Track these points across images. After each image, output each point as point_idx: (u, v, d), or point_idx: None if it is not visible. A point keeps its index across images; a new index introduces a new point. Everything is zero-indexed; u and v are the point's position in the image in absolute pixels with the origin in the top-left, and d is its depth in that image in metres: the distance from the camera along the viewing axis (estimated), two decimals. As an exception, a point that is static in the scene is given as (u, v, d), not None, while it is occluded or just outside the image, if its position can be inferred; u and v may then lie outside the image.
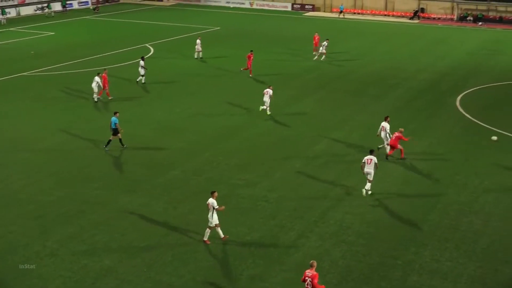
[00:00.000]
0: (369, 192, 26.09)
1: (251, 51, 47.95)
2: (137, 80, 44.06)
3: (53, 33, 65.67)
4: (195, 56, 52.61)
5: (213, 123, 35.71)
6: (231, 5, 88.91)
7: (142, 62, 43.68)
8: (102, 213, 24.48)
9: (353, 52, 56.32)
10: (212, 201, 21.93)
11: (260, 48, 55.41)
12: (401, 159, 30.03)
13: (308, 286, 17.58)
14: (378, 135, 31.02)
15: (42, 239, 22.38)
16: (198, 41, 52.68)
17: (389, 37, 66.04)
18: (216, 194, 22.17)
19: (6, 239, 22.43)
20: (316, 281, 17.54)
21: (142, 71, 43.61)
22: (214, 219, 21.99)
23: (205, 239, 22.22)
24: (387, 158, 29.99)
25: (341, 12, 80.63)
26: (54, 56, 53.30)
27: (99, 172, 28.60)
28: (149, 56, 53.51)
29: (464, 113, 38.00)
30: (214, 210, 21.88)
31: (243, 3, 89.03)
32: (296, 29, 70.34)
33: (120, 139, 31.33)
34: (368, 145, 31.88)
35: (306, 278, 17.65)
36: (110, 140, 31.24)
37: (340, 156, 30.79)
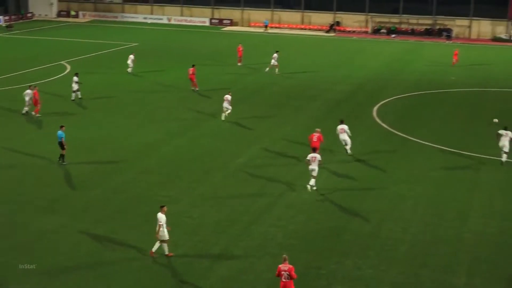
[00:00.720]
0: (314, 188, 27.74)
1: (193, 65, 47.35)
2: (72, 99, 43.12)
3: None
4: (129, 71, 52.45)
5: (132, 140, 35.27)
6: (149, 21, 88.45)
7: (75, 78, 43.27)
8: (22, 235, 23.75)
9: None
10: (160, 215, 21.96)
11: (179, 63, 55.31)
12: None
13: (285, 279, 18.58)
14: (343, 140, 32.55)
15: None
16: (131, 56, 52.84)
17: (307, 50, 67.22)
18: (165, 208, 22.21)
19: None
20: (293, 273, 18.62)
21: (75, 87, 43.08)
22: (164, 234, 21.90)
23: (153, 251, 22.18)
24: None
25: (266, 26, 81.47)
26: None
27: (15, 192, 27.76)
28: (66, 73, 52.54)
29: (380, 122, 39.02)
30: (159, 225, 21.80)
31: (161, 19, 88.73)
32: (216, 43, 70.60)
33: (62, 155, 30.90)
34: (290, 157, 32.35)
35: (282, 272, 18.64)
36: (62, 155, 30.90)
37: (261, 168, 31.00)
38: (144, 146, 34.20)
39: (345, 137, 32.31)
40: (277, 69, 53.07)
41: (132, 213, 25.73)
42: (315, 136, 30.82)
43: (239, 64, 56.47)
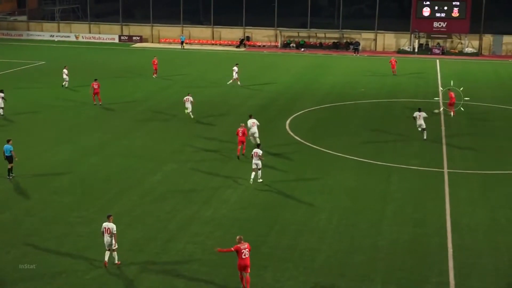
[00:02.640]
0: (260, 180, 30.66)
1: (95, 79, 47.48)
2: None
3: None
4: (64, 85, 52.76)
5: (42, 159, 34.33)
6: (56, 39, 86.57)
7: (1, 94, 43.47)
8: None
9: (183, 81, 56.85)
10: (112, 225, 22.26)
11: (89, 80, 54.42)
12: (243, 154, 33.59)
13: (245, 256, 20.51)
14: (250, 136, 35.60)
15: None
16: (64, 70, 52.98)
17: (217, 65, 67.41)
18: (112, 217, 22.59)
19: None
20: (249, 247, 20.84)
21: (1, 103, 43.28)
22: (113, 242, 22.31)
23: (106, 261, 22.39)
24: (238, 158, 33.84)
25: (182, 43, 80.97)
26: None
27: None
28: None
29: (293, 135, 39.52)
30: (113, 235, 22.21)
31: (68, 36, 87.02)
32: (127, 59, 69.84)
33: (10, 168, 30.84)
34: (206, 172, 32.29)
35: (243, 250, 20.52)
36: (9, 169, 30.86)
37: (177, 185, 30.76)
38: (56, 165, 33.30)
39: (255, 129, 35.61)
40: (238, 82, 54.50)
41: (45, 236, 24.93)
42: (240, 131, 34.27)
43: (154, 76, 58.41)
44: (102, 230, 22.52)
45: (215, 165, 33.57)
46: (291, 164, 34.10)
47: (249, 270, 20.78)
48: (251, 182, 30.51)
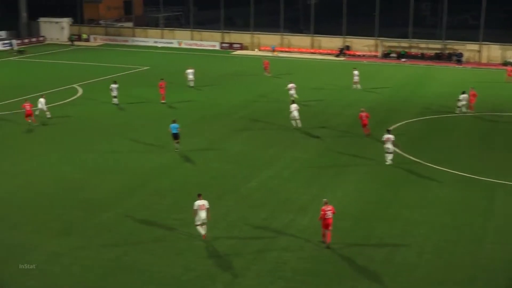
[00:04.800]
0: (388, 163, 34.44)
1: (162, 79, 50.75)
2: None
3: (-24, 75, 64.18)
4: (191, 85, 56.76)
5: (143, 162, 35.31)
6: (159, 45, 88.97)
7: (115, 85, 49.08)
8: (33, 257, 23.69)
9: (281, 89, 57.05)
10: (205, 201, 24.88)
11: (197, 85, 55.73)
12: None
13: (328, 216, 24.09)
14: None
15: (-31, 288, 21.52)
16: (190, 71, 57.27)
17: (316, 74, 67.30)
18: (201, 195, 25.08)
19: None
20: (334, 211, 24.39)
21: (115, 93, 48.95)
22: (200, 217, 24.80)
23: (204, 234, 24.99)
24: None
25: (273, 50, 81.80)
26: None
27: (28, 215, 27.75)
28: (79, 96, 52.97)
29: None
30: (207, 209, 24.72)
31: (171, 43, 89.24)
32: (226, 66, 70.85)
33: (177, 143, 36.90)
34: (302, 181, 32.28)
35: (327, 211, 24.12)
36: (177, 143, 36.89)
37: (273, 192, 30.88)
38: (155, 169, 34.20)
39: (389, 145, 34.99)
40: (358, 85, 57.55)
41: (144, 237, 25.63)
42: (364, 115, 40.00)
43: (267, 74, 63.81)
44: (196, 208, 24.73)
45: (311, 174, 33.49)
46: (388, 176, 33.52)
47: (330, 228, 24.27)
48: (387, 163, 34.59)
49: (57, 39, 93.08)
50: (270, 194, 30.62)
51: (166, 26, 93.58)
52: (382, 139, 35.23)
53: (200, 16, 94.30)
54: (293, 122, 42.85)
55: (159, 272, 22.51)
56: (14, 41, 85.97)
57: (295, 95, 48.62)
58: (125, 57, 77.53)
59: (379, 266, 23.38)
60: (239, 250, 24.49)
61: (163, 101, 50.01)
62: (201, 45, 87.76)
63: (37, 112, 44.04)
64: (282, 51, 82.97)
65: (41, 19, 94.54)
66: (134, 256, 23.78)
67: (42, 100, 44.36)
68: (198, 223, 24.90)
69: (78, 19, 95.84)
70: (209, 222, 25.39)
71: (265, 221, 27.24)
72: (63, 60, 74.97)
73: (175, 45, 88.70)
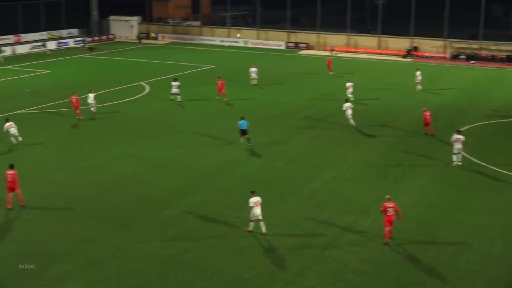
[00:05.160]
0: (456, 163, 34.13)
1: (219, 77, 51.71)
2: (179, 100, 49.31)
3: (49, 71, 66.01)
4: (254, 83, 57.49)
5: (207, 160, 35.66)
6: (225, 44, 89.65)
7: (177, 83, 49.89)
8: (96, 251, 24.26)
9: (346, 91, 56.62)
10: (259, 198, 25.58)
11: (263, 84, 55.97)
12: None
13: (390, 214, 24.46)
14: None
15: (37, 277, 22.13)
16: (253, 69, 57.77)
17: (382, 74, 66.52)
18: (255, 192, 25.76)
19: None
20: (397, 208, 24.66)
21: (177, 91, 49.72)
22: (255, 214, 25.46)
23: (251, 230, 25.72)
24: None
25: (332, 50, 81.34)
26: (50, 94, 53.43)
27: (93, 209, 28.43)
28: (145, 93, 53.93)
29: (459, 150, 38.02)
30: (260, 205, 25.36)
31: (237, 42, 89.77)
32: (292, 65, 70.79)
33: (248, 138, 37.90)
34: (365, 182, 31.99)
35: (388, 208, 24.48)
36: (248, 138, 37.91)
37: (335, 193, 30.72)
38: (219, 167, 34.50)
39: (459, 146, 34.53)
40: (419, 86, 56.75)
41: (206, 234, 25.89)
42: (428, 115, 40.10)
43: (330, 73, 64.22)
44: (251, 205, 25.31)
45: (374, 175, 33.16)
46: (454, 180, 32.84)
47: (391, 225, 24.65)
48: (454, 164, 34.19)
49: (126, 37, 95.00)
50: (332, 195, 30.47)
51: (232, 25, 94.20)
52: (451, 140, 34.61)
53: (267, 16, 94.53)
54: (351, 121, 43.10)
55: (220, 270, 22.69)
56: (86, 39, 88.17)
57: (350, 95, 49.52)
58: (192, 56, 78.43)
59: (442, 270, 22.93)
60: (300, 250, 24.46)
61: (218, 97, 50.79)
62: (267, 44, 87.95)
63: (93, 109, 45.39)
64: (347, 51, 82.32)
65: (111, 18, 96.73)
66: (195, 253, 24.05)
67: (91, 95, 45.50)
68: (253, 219, 25.45)
69: (147, 18, 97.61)
70: (270, 221, 25.44)
71: (327, 222, 27.12)
72: (131, 58, 76.44)
73: (241, 44, 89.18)
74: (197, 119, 45.24)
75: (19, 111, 47.01)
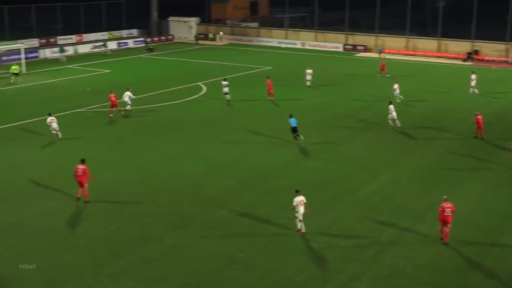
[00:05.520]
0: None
1: (267, 77, 52.89)
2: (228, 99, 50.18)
3: (109, 71, 67.31)
4: (308, 84, 57.68)
5: (262, 160, 35.76)
6: (283, 45, 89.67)
7: (226, 82, 50.76)
8: (151, 248, 24.62)
9: (404, 93, 55.90)
10: (303, 197, 25.57)
11: (320, 84, 55.81)
12: None
13: (446, 214, 24.57)
14: None
15: (94, 273, 22.60)
16: (309, 70, 58.22)
17: (441, 78, 65.38)
18: (299, 192, 25.81)
19: (57, 272, 22.72)
20: (454, 208, 24.71)
21: (227, 89, 50.28)
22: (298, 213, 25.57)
23: (300, 229, 25.79)
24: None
25: (380, 52, 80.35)
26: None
27: (148, 208, 28.85)
28: (202, 94, 54.46)
29: (519, 157, 37.16)
30: (305, 204, 25.43)
31: (295, 43, 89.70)
32: (349, 67, 70.32)
33: (297, 135, 38.81)
34: (421, 187, 31.54)
35: (446, 208, 24.54)
36: (297, 135, 38.83)
37: (390, 197, 30.39)
38: (274, 167, 34.55)
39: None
40: (475, 90, 55.57)
41: (259, 234, 25.97)
42: (480, 119, 39.51)
43: (386, 75, 63.66)
44: (295, 204, 25.42)
45: (430, 180, 32.62)
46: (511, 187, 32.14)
47: (449, 226, 24.66)
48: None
49: (185, 38, 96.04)
50: (387, 199, 30.14)
51: (290, 27, 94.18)
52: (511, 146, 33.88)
53: (325, 17, 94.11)
54: (391, 122, 42.83)
55: (272, 271, 22.71)
56: (146, 39, 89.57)
57: (398, 96, 50.55)
58: (249, 57, 78.72)
59: (501, 279, 22.44)
60: (354, 254, 24.29)
61: (270, 98, 51.29)
62: (324, 46, 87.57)
63: (128, 107, 46.21)
64: (405, 54, 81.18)
65: (171, 18, 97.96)
66: (248, 253, 24.14)
67: (128, 93, 46.32)
68: (299, 217, 25.63)
69: (205, 19, 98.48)
70: (324, 223, 25.31)
71: (381, 226, 26.85)
72: (189, 58, 77.23)
73: (299, 45, 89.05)
74: (254, 120, 45.38)
75: (80, 110, 48.07)
